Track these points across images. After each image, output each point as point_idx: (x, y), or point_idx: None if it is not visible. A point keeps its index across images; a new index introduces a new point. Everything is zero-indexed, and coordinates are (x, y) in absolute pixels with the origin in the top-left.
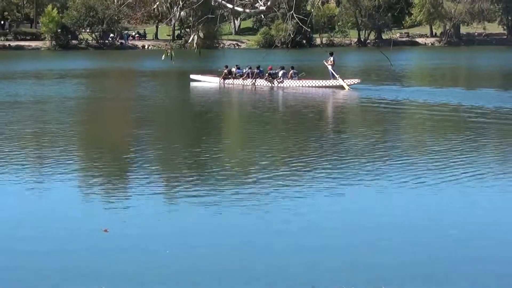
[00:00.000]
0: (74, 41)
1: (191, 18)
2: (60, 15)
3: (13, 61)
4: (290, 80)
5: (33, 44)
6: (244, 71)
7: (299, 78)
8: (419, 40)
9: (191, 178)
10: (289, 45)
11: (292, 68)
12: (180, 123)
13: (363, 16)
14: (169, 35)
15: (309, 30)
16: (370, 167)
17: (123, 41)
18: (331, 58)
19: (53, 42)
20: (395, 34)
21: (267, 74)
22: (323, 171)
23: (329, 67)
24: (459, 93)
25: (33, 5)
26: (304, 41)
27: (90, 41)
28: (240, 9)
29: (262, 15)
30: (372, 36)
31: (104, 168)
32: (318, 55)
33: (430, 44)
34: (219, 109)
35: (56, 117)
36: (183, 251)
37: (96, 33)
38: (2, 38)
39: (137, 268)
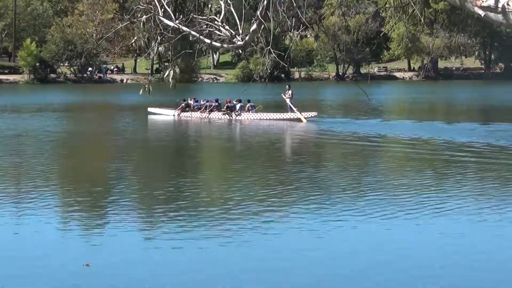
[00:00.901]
0: (52, 75)
1: (169, 53)
2: (39, 48)
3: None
4: (247, 113)
5: (11, 77)
6: (201, 103)
7: (256, 111)
8: (397, 74)
9: (168, 211)
10: (267, 80)
11: (249, 101)
12: (150, 157)
13: (341, 50)
14: (147, 69)
15: (286, 65)
16: (336, 199)
17: (102, 75)
18: (289, 92)
19: (31, 76)
20: (373, 69)
21: (225, 107)
22: (297, 204)
23: (287, 100)
24: (434, 127)
25: (12, 39)
26: (283, 75)
27: (69, 75)
28: (218, 44)
29: (240, 50)
30: (350, 70)
31: (81, 203)
32: (297, 89)
33: (408, 78)
34: (189, 143)
35: (34, 151)
36: (163, 284)
37: (74, 67)
38: None
39: None
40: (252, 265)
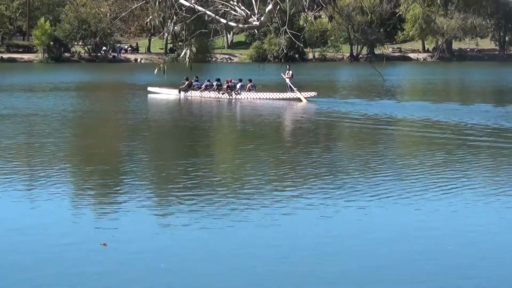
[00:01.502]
0: (66, 54)
1: (184, 32)
2: (53, 27)
3: (5, 74)
4: (247, 92)
5: (26, 56)
6: (202, 83)
7: (256, 91)
8: (411, 55)
9: (181, 191)
10: (282, 60)
11: (250, 81)
12: (160, 136)
13: (356, 31)
14: (161, 49)
15: (301, 45)
16: (349, 181)
17: (116, 54)
18: (289, 72)
19: (46, 55)
20: (388, 49)
21: (225, 86)
22: (309, 185)
23: (287, 80)
24: (447, 108)
25: (26, 18)
26: (297, 56)
27: (83, 54)
28: (233, 24)
29: (256, 30)
30: (364, 51)
31: (95, 182)
32: (310, 69)
33: (422, 60)
34: (193, 122)
35: (48, 130)
36: (178, 263)
37: (88, 46)
38: None
39: (138, 280)
40: (264, 249)
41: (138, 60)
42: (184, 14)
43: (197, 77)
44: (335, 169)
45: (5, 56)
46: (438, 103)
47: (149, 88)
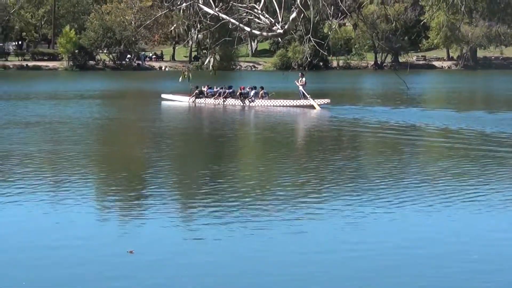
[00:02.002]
0: (91, 62)
1: (208, 40)
2: (78, 35)
3: (31, 81)
4: (260, 99)
5: (51, 64)
6: (215, 90)
7: (269, 98)
8: (436, 63)
9: (206, 198)
10: (306, 68)
11: (262, 88)
12: (181, 144)
13: (380, 39)
14: (186, 57)
15: (326, 53)
16: (371, 188)
17: (140, 62)
18: (303, 79)
19: (71, 63)
20: (412, 57)
21: (238, 94)
22: (333, 193)
23: (300, 87)
24: (473, 117)
25: (51, 26)
26: (321, 64)
27: (107, 62)
28: (257, 32)
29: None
30: (388, 59)
31: (119, 189)
32: (335, 77)
33: (446, 68)
34: (211, 130)
35: (73, 137)
36: (202, 269)
37: (113, 54)
38: (20, 58)
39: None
40: (289, 255)
41: (163, 68)
42: (208, 22)
43: (208, 85)
44: (357, 177)
45: (30, 64)
46: (463, 112)
47: (163, 95)
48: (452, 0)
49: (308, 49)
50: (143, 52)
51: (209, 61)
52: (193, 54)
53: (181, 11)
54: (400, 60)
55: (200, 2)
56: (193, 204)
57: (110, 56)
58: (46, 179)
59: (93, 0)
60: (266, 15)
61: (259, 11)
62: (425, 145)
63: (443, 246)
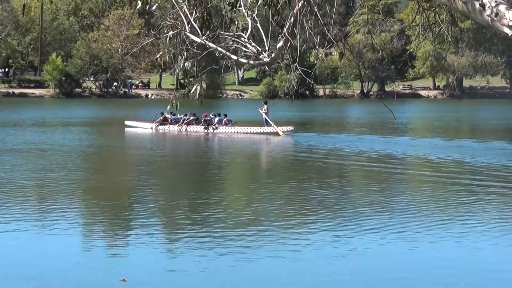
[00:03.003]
0: (77, 89)
1: (194, 68)
2: (64, 63)
3: (17, 109)
4: (224, 126)
5: (37, 91)
6: (179, 117)
7: (233, 125)
8: (422, 92)
9: (192, 227)
10: (293, 96)
11: (226, 115)
12: (166, 172)
13: (366, 68)
14: (172, 84)
15: (312, 82)
16: (352, 216)
17: (127, 90)
18: (265, 107)
19: (57, 90)
20: (398, 87)
21: (203, 121)
22: (315, 221)
23: (263, 115)
24: (458, 146)
25: (38, 53)
26: (307, 92)
27: (94, 90)
28: (244, 60)
29: (267, 66)
30: (375, 88)
31: (106, 216)
32: (321, 106)
33: (433, 97)
34: (176, 157)
35: (58, 165)
36: None
37: (99, 82)
38: (6, 85)
39: None
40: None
41: (149, 96)
42: (195, 50)
43: (172, 112)
44: (337, 206)
45: (17, 91)
46: (449, 141)
47: (126, 122)
48: (439, 30)
49: (295, 77)
50: (130, 80)
51: (195, 89)
52: (180, 81)
53: (168, 39)
54: (386, 89)
55: (187, 31)
56: (179, 232)
57: (97, 83)
58: (31, 207)
59: (80, 27)
60: (253, 44)
61: (246, 40)
62: (411, 174)
63: (429, 273)
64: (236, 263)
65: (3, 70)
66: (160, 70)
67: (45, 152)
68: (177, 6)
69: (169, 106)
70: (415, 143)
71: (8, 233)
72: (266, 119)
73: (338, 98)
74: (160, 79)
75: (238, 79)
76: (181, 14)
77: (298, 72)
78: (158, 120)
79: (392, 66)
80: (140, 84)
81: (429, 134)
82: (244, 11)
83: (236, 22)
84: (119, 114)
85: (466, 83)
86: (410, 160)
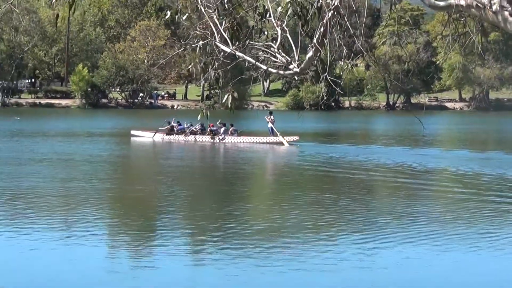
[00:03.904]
0: (103, 100)
1: (220, 79)
2: (91, 74)
3: (44, 119)
4: (230, 136)
5: (63, 102)
6: (185, 126)
7: (239, 135)
8: (448, 104)
9: (218, 238)
10: (320, 107)
11: (232, 125)
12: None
13: (392, 80)
14: (198, 96)
15: (342, 92)
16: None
17: (153, 101)
18: (271, 116)
19: (83, 101)
20: (424, 99)
21: (209, 130)
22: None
23: (270, 124)
24: (485, 159)
25: (64, 64)
26: (333, 104)
27: (120, 100)
28: (274, 70)
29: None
30: (401, 100)
31: (129, 227)
32: (347, 117)
33: (459, 109)
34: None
35: (83, 175)
36: None
37: (125, 92)
38: (33, 96)
39: None
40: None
41: (175, 107)
42: (223, 60)
43: (179, 122)
44: (359, 216)
45: (43, 101)
46: (478, 153)
47: (132, 131)
48: (468, 40)
49: (324, 88)
50: (156, 91)
51: (227, 99)
52: (206, 93)
53: (198, 49)
54: (412, 101)
55: (217, 40)
56: (204, 243)
57: (123, 94)
58: (56, 217)
59: (106, 38)
60: (283, 54)
61: (276, 50)
62: (444, 187)
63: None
64: (260, 275)
65: (30, 80)
66: (186, 81)
67: (74, 162)
68: (206, 16)
69: (199, 115)
70: (444, 155)
71: (34, 242)
72: (272, 129)
73: (364, 110)
74: (186, 90)
75: (264, 91)
76: (211, 24)
77: (325, 82)
78: (165, 129)
79: (419, 78)
80: (166, 95)
81: (457, 146)
82: (273, 21)
83: (266, 32)
84: (145, 125)
85: (493, 95)
86: (440, 173)
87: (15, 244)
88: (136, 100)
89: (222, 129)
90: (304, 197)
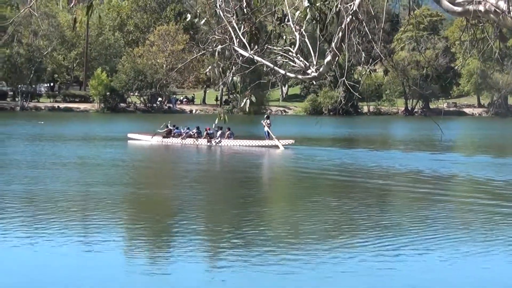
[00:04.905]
0: (122, 104)
1: (238, 84)
2: (109, 78)
3: (64, 123)
4: (227, 139)
5: (82, 106)
6: (182, 131)
7: (235, 138)
8: (467, 110)
9: (234, 243)
10: (339, 112)
11: (229, 129)
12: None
13: (411, 85)
14: (217, 100)
15: (360, 97)
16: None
17: (171, 105)
18: (268, 120)
19: (102, 105)
20: (443, 104)
21: (205, 134)
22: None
23: (266, 128)
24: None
25: (83, 68)
26: (351, 109)
27: (138, 105)
28: (292, 75)
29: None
30: (419, 105)
31: (144, 232)
32: (365, 123)
33: (477, 114)
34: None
35: (100, 179)
36: None
37: (144, 97)
38: (52, 99)
39: None
40: None
41: (193, 111)
42: (241, 64)
43: (175, 125)
44: (373, 223)
45: (62, 105)
46: (495, 158)
47: (129, 135)
48: (487, 46)
49: (342, 92)
50: (174, 95)
51: (245, 103)
52: (224, 98)
53: (217, 53)
54: (431, 107)
55: (236, 45)
56: (221, 248)
57: (141, 99)
58: (71, 221)
59: (125, 43)
60: (301, 58)
61: (294, 54)
62: (457, 191)
63: None
64: (276, 279)
65: (48, 84)
66: (205, 86)
67: (96, 166)
68: (225, 21)
69: (217, 119)
70: (462, 161)
71: (51, 247)
72: (268, 132)
73: (382, 115)
74: (204, 94)
75: (283, 95)
76: (230, 28)
77: (344, 87)
78: (163, 132)
79: (437, 84)
80: (185, 99)
81: (475, 152)
82: (292, 25)
83: (284, 37)
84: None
85: (511, 101)
86: (457, 179)
87: (31, 248)
88: (155, 105)
89: (219, 133)
90: (321, 202)
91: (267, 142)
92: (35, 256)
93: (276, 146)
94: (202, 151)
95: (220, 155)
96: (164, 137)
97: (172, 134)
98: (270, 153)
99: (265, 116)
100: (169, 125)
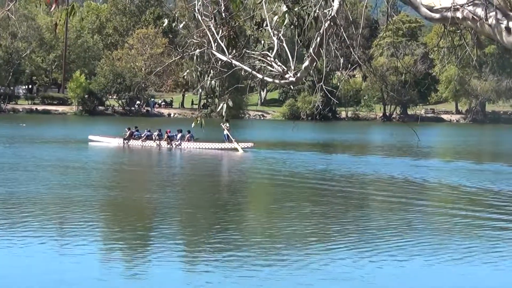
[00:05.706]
0: (100, 107)
1: (217, 88)
2: (88, 81)
3: (40, 125)
4: (187, 142)
5: (60, 108)
6: (143, 134)
7: (195, 141)
8: (444, 116)
9: (212, 246)
10: (317, 117)
11: (189, 132)
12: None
13: (389, 91)
14: (195, 104)
15: (337, 102)
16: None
17: (149, 109)
18: (227, 124)
19: (80, 108)
20: (421, 110)
21: (166, 136)
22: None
23: (225, 131)
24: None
25: (61, 71)
26: (330, 114)
27: (117, 108)
28: (269, 79)
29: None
30: (397, 111)
31: (122, 234)
32: (344, 128)
33: (455, 121)
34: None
35: (77, 182)
36: None
37: (122, 100)
38: (30, 102)
39: None
40: None
41: (172, 115)
42: (219, 68)
43: (136, 128)
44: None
45: (40, 107)
46: (472, 164)
47: (90, 136)
48: (464, 53)
49: (320, 97)
50: (152, 99)
51: (221, 107)
52: (202, 102)
53: (195, 57)
54: (409, 113)
55: (214, 49)
56: (198, 251)
57: (120, 102)
58: (49, 223)
59: (104, 46)
60: (279, 63)
61: (272, 59)
62: (439, 198)
63: None
64: (253, 283)
65: (27, 86)
66: (183, 90)
67: (75, 169)
68: (203, 25)
69: (193, 123)
70: (439, 166)
71: (28, 249)
72: (227, 135)
73: (360, 121)
74: (183, 98)
75: (261, 100)
76: (208, 32)
77: (322, 92)
78: (128, 134)
79: (415, 90)
80: (163, 103)
81: (452, 158)
82: (270, 30)
83: (262, 42)
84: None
85: (489, 108)
86: (433, 184)
87: (7, 251)
88: (133, 108)
89: (179, 135)
90: (294, 208)
91: (227, 145)
92: (11, 259)
93: (235, 149)
94: (162, 153)
95: (181, 158)
96: (125, 139)
97: (133, 137)
98: (231, 156)
99: (224, 119)
100: (132, 128)
